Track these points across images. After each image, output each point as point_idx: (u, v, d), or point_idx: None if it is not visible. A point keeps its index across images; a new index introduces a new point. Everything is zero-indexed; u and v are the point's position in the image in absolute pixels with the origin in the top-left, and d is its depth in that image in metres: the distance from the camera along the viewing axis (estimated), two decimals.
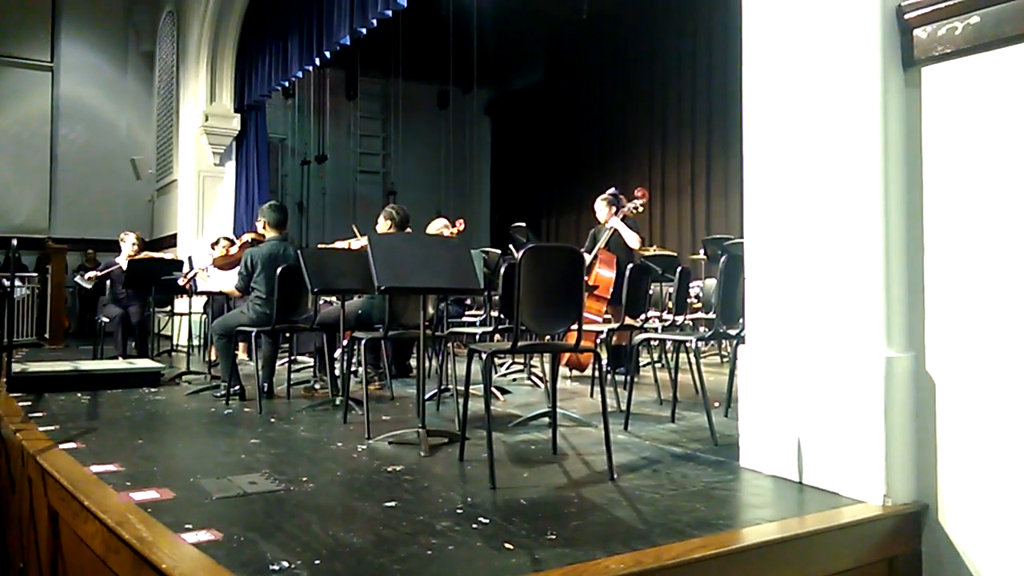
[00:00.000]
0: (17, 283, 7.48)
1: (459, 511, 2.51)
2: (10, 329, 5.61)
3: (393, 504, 2.59)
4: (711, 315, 5.14)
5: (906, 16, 2.67)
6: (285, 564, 1.98)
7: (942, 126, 2.64)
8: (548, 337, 3.69)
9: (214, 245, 7.81)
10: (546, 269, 3.08)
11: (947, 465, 2.58)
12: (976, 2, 2.51)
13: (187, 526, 2.28)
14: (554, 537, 2.24)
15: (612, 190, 6.43)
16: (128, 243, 7.56)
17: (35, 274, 10.40)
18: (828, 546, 2.41)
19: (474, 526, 2.34)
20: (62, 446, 3.44)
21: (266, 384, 5.10)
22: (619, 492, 2.78)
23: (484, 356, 3.18)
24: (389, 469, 3.11)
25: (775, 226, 3.02)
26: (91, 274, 7.67)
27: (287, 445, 3.67)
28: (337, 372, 5.07)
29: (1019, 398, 2.40)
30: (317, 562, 2.00)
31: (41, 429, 3.84)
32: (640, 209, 6.29)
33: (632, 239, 6.14)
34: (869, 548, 2.51)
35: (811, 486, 2.78)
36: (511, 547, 2.14)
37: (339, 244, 6.02)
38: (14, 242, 5.76)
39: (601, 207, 6.32)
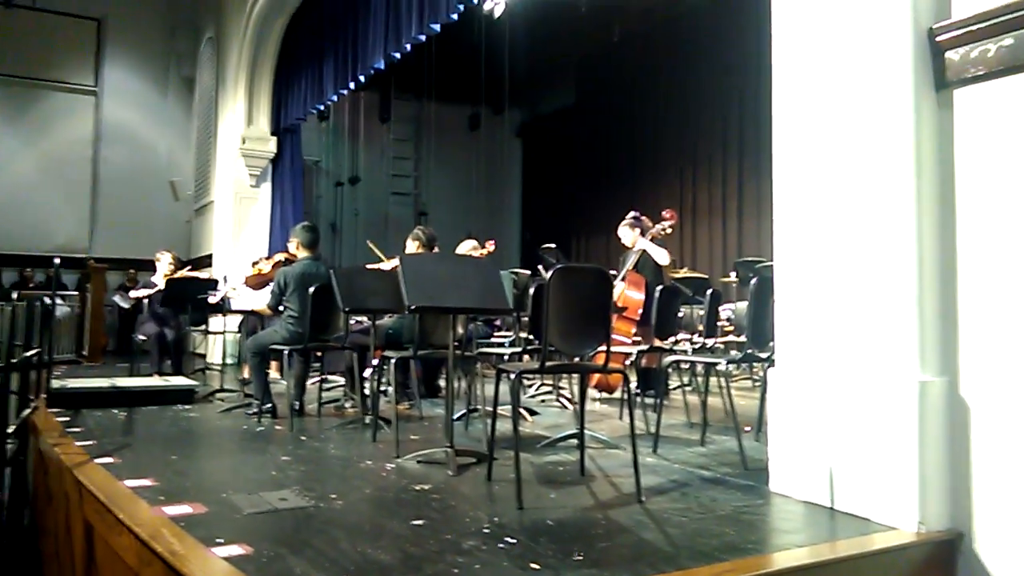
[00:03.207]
0: (58, 301, 7.66)
1: (486, 530, 2.51)
2: (51, 346, 5.74)
3: (420, 522, 2.60)
4: (742, 338, 5.11)
5: (938, 38, 2.67)
6: None
7: (975, 148, 2.62)
8: (577, 358, 3.68)
9: (255, 264, 7.94)
10: (575, 289, 3.09)
11: (982, 492, 2.53)
12: (1009, 24, 2.49)
13: (218, 540, 2.31)
14: (581, 558, 2.23)
15: (633, 213, 6.43)
16: (164, 262, 7.70)
17: (75, 293, 10.64)
18: (860, 573, 2.38)
19: (500, 546, 2.34)
20: (98, 460, 3.52)
21: (297, 402, 5.15)
22: (647, 514, 2.76)
23: (513, 376, 3.19)
24: (417, 488, 3.13)
25: (806, 248, 3.01)
26: (133, 294, 7.81)
27: (317, 462, 3.70)
28: (367, 391, 5.11)
29: None
30: None
31: (78, 444, 3.92)
32: (668, 231, 6.28)
33: (662, 256, 6.13)
34: None
35: (843, 512, 2.74)
36: (537, 567, 2.14)
37: (371, 266, 6.09)
38: (56, 260, 5.91)
39: (625, 231, 6.32)
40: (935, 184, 2.68)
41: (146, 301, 7.68)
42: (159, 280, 7.52)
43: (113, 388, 5.61)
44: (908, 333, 2.63)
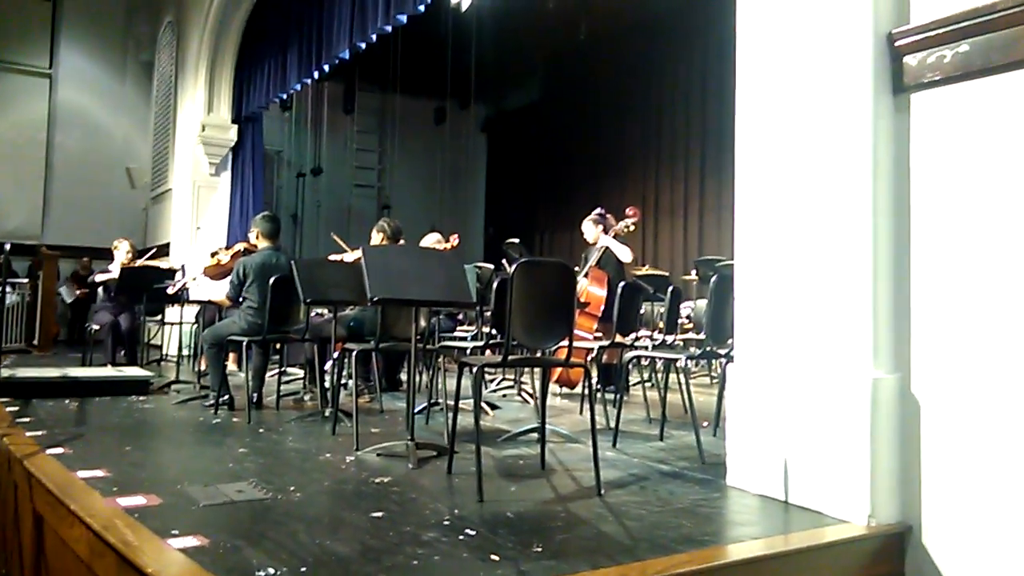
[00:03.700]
0: (7, 289, 7.44)
1: (446, 523, 2.51)
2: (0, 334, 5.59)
3: (380, 514, 2.60)
4: (701, 335, 5.17)
5: (897, 43, 2.72)
6: (271, 571, 1.99)
7: (930, 151, 2.68)
8: (539, 352, 3.70)
9: (214, 255, 7.82)
10: (538, 284, 3.11)
11: (931, 487, 2.60)
12: (965, 31, 2.56)
13: (173, 532, 2.28)
14: (540, 550, 2.25)
15: (599, 210, 6.48)
16: (122, 251, 7.54)
17: (26, 280, 10.36)
18: (812, 564, 2.42)
19: (461, 537, 2.35)
20: (49, 451, 3.44)
21: (255, 394, 5.09)
22: (606, 507, 2.78)
23: (475, 369, 3.19)
24: (377, 480, 3.12)
25: (765, 246, 3.05)
26: (99, 278, 7.58)
27: (275, 455, 3.66)
28: (327, 384, 5.06)
29: (1002, 420, 2.43)
30: (303, 569, 2.01)
31: (28, 434, 3.83)
32: (631, 228, 6.34)
33: (625, 254, 6.18)
34: (853, 568, 2.53)
35: (797, 505, 2.79)
36: (497, 559, 2.15)
37: (333, 257, 6.04)
38: (7, 247, 5.75)
39: (589, 227, 6.37)
40: (891, 185, 2.74)
41: (100, 290, 7.52)
42: (116, 268, 7.36)
43: (65, 378, 5.48)
44: (862, 331, 2.69)
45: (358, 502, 2.79)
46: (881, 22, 2.74)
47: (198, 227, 10.24)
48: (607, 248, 6.20)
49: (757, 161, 3.11)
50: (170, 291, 6.30)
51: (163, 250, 11.05)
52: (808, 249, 2.88)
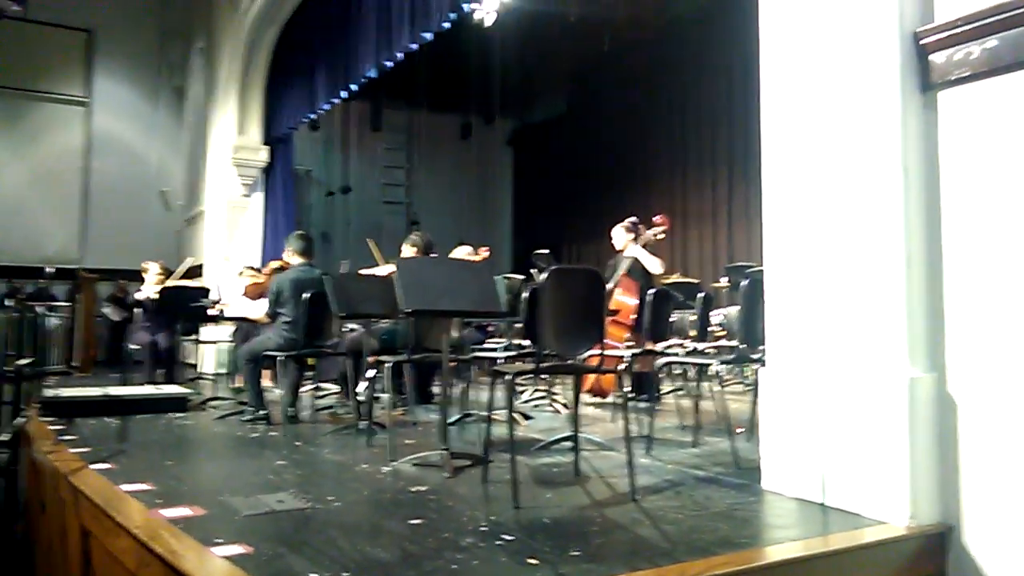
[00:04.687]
0: (48, 312, 7.63)
1: (483, 528, 2.53)
2: (43, 355, 5.73)
3: (418, 522, 2.63)
4: (733, 343, 5.14)
5: (923, 41, 2.72)
6: None
7: (960, 148, 2.67)
8: (571, 360, 3.71)
9: (241, 274, 7.94)
10: (569, 290, 3.13)
11: (971, 486, 2.57)
12: (992, 27, 2.55)
13: (217, 541, 2.33)
14: (578, 554, 2.26)
15: (632, 218, 6.47)
16: (152, 272, 7.69)
17: (66, 303, 10.59)
18: (852, 566, 2.41)
19: (498, 543, 2.37)
20: (93, 467, 3.51)
21: (291, 408, 5.16)
22: (642, 512, 2.79)
23: (508, 377, 3.21)
24: (414, 489, 3.15)
25: (795, 248, 3.05)
26: (139, 295, 7.70)
27: (313, 466, 3.72)
28: (361, 397, 5.12)
29: None
30: (346, 574, 2.04)
31: (72, 451, 3.92)
32: (660, 236, 6.33)
33: (654, 265, 6.17)
34: (894, 569, 2.50)
35: (834, 507, 2.77)
36: (535, 562, 2.17)
37: (365, 271, 6.11)
38: (49, 271, 5.90)
39: (619, 234, 6.37)
40: (921, 184, 2.73)
41: (139, 310, 7.67)
42: (147, 290, 7.51)
43: (106, 397, 5.59)
44: (897, 331, 2.68)
45: (396, 510, 2.82)
46: (907, 21, 2.74)
47: (226, 257, 10.39)
48: (635, 259, 6.20)
49: (785, 163, 3.11)
50: (210, 311, 6.41)
51: (196, 271, 11.25)
52: (839, 250, 2.87)
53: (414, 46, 7.47)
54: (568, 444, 3.90)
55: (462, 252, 6.19)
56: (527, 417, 5.32)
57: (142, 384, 7.04)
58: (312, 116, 10.44)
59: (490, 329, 7.28)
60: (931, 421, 2.64)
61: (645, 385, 5.81)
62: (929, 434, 2.64)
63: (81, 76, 12.88)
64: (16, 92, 12.39)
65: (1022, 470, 2.44)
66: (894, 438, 2.62)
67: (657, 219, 6.34)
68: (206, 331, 8.53)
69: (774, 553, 2.32)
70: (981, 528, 2.53)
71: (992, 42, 2.55)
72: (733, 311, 7.16)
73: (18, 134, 12.48)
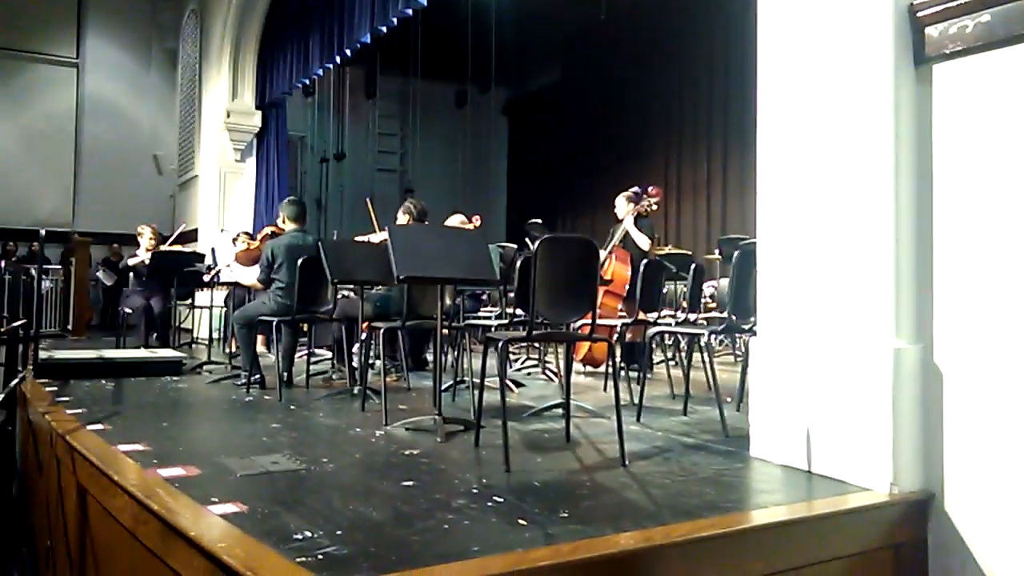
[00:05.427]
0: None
1: (474, 491, 2.58)
2: (37, 317, 5.74)
3: (411, 483, 2.67)
4: (724, 314, 5.18)
5: (918, 14, 2.72)
6: (308, 534, 2.07)
7: (952, 122, 2.69)
8: (563, 327, 3.75)
9: (235, 240, 7.93)
10: (562, 259, 3.15)
11: (953, 455, 2.63)
12: (987, 1, 2.55)
13: (213, 500, 2.37)
14: (566, 515, 2.31)
15: (635, 188, 6.47)
16: (146, 236, 7.68)
17: (59, 267, 10.58)
18: (835, 530, 2.47)
19: (489, 504, 2.42)
20: (89, 427, 3.55)
21: (286, 373, 5.20)
22: (630, 477, 2.84)
23: (500, 344, 3.25)
24: (406, 452, 3.20)
25: (787, 219, 3.08)
26: (132, 261, 7.69)
27: (307, 430, 3.76)
28: (355, 363, 5.16)
29: None
30: (339, 533, 2.09)
31: (68, 412, 3.95)
32: (654, 207, 6.34)
33: (642, 241, 6.20)
34: (876, 534, 2.57)
35: (819, 474, 2.83)
36: (525, 523, 2.22)
37: (359, 239, 6.12)
38: (42, 233, 5.90)
39: (621, 203, 6.38)
40: (913, 156, 2.75)
41: (131, 274, 7.67)
42: (142, 254, 7.51)
43: (101, 359, 5.62)
44: (884, 302, 2.71)
45: (389, 472, 2.87)
46: None
47: (222, 229, 10.37)
48: (627, 232, 6.23)
49: (779, 135, 3.12)
50: (206, 278, 6.43)
51: (190, 236, 11.23)
52: (830, 221, 2.89)
53: (409, 11, 7.41)
54: (559, 411, 3.96)
55: (455, 220, 6.19)
56: (519, 385, 5.37)
57: (136, 347, 7.07)
58: (306, 81, 10.38)
59: (483, 297, 7.32)
60: (916, 391, 2.69)
61: (636, 355, 5.86)
62: (913, 404, 2.68)
63: (72, 37, 12.73)
64: (6, 52, 12.25)
65: (1004, 439, 2.49)
66: (878, 407, 2.67)
67: (651, 190, 6.35)
68: (201, 296, 8.54)
69: (759, 517, 2.38)
70: (962, 495, 2.59)
71: (986, 16, 2.55)
72: (724, 283, 7.22)
73: (9, 96, 12.37)
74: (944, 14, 2.65)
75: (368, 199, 7.14)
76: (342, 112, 14.33)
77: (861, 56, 2.80)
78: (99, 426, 3.59)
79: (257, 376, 5.09)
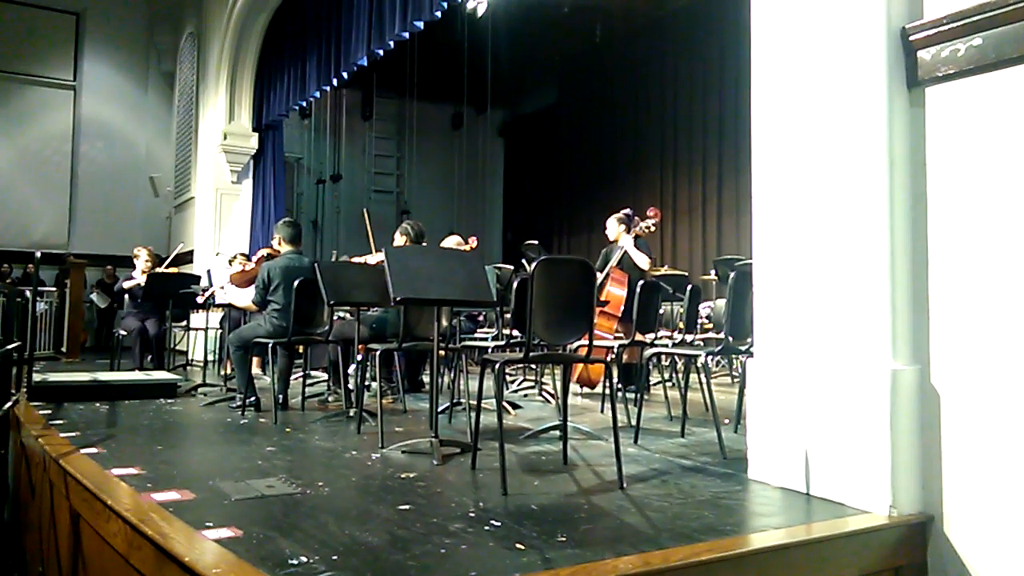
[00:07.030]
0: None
1: (471, 514, 2.56)
2: (31, 340, 5.71)
3: (407, 507, 2.65)
4: (721, 335, 5.19)
5: (910, 38, 2.75)
6: (304, 559, 2.05)
7: (946, 144, 2.71)
8: (559, 349, 3.75)
9: (231, 261, 7.92)
10: (558, 280, 3.15)
11: (952, 477, 2.62)
12: (979, 25, 2.58)
13: (208, 524, 2.35)
14: (564, 539, 2.29)
15: (627, 210, 6.50)
16: (142, 258, 7.69)
17: (54, 289, 10.55)
18: (834, 554, 2.45)
19: (486, 528, 2.40)
20: (83, 451, 3.52)
21: (281, 396, 5.17)
22: (628, 500, 2.83)
23: (497, 366, 3.24)
24: (403, 476, 3.18)
25: (783, 241, 3.09)
26: (127, 284, 7.69)
27: (302, 453, 3.74)
28: (351, 385, 5.14)
29: (1022, 411, 2.45)
30: (335, 558, 2.07)
31: (62, 435, 3.92)
32: (652, 228, 6.36)
33: (642, 260, 6.21)
34: (875, 557, 2.55)
35: (818, 497, 2.82)
36: (522, 547, 2.20)
37: (356, 260, 6.12)
38: (37, 254, 5.88)
39: (613, 225, 6.40)
40: (907, 179, 2.77)
41: (127, 296, 7.66)
42: (138, 276, 7.50)
43: (95, 382, 5.59)
44: (881, 324, 2.72)
45: (385, 496, 2.85)
46: (894, 17, 2.77)
47: (217, 253, 10.37)
48: (626, 251, 6.24)
49: (774, 157, 3.14)
50: (199, 300, 6.41)
51: (185, 257, 11.22)
52: (826, 244, 2.91)
53: (405, 35, 7.46)
54: (556, 433, 3.94)
55: (451, 242, 6.21)
56: (516, 407, 5.35)
57: (131, 370, 7.04)
58: (302, 103, 10.42)
59: (480, 319, 7.31)
60: (913, 413, 2.69)
61: (633, 376, 5.85)
62: (911, 426, 2.68)
63: (69, 59, 12.78)
64: (3, 75, 12.29)
65: (1004, 462, 2.49)
66: (876, 429, 2.66)
67: (650, 212, 6.38)
68: (196, 318, 8.52)
69: (757, 540, 2.36)
70: (963, 519, 2.58)
71: (977, 40, 2.58)
72: (720, 304, 7.21)
73: (6, 117, 12.39)
74: (936, 38, 2.68)
75: (366, 210, 7.14)
76: (338, 134, 14.39)
77: (855, 79, 2.83)
78: (93, 449, 3.57)
79: (252, 398, 5.07)
